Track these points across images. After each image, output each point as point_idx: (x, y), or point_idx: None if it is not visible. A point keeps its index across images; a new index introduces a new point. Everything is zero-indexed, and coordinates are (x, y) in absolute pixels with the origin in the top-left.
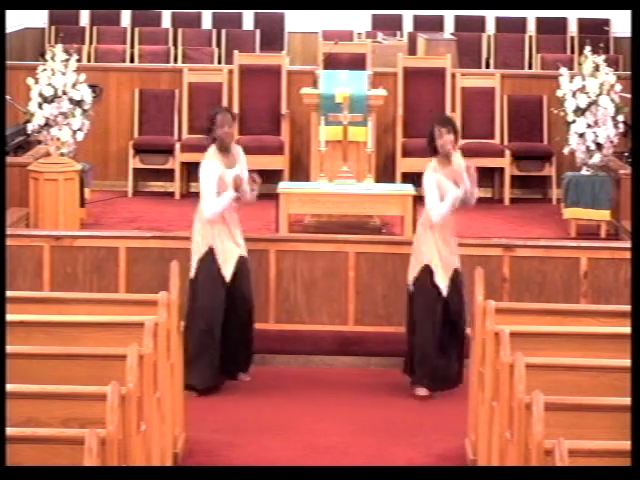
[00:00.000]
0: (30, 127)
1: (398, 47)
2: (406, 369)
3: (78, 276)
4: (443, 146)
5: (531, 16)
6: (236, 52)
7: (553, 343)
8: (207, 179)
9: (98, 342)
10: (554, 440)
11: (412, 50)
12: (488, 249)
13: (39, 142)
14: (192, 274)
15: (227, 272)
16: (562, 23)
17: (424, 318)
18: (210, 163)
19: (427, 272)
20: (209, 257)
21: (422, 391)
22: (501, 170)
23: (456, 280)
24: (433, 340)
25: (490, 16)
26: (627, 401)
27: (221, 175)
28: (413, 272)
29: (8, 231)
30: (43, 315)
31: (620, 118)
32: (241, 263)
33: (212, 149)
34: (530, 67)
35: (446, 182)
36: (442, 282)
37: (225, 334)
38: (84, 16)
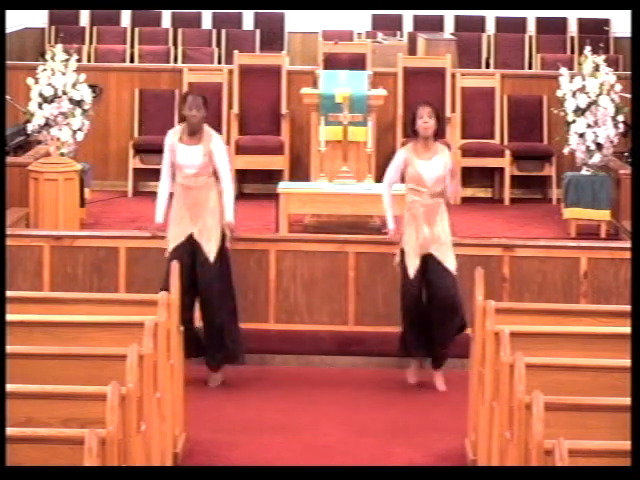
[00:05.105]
0: (30, 127)
1: (398, 47)
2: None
3: (78, 276)
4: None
5: (531, 16)
6: (236, 52)
7: (553, 343)
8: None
9: (98, 342)
10: (554, 440)
11: (412, 50)
12: (488, 249)
13: (39, 142)
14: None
15: None
16: (562, 23)
17: (401, 297)
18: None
19: (403, 254)
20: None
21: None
22: (501, 170)
23: (428, 265)
24: (408, 319)
25: (490, 16)
26: (627, 401)
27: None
28: (398, 255)
29: (8, 231)
30: (43, 315)
31: (620, 118)
32: None
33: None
34: (530, 67)
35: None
36: (412, 265)
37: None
38: (84, 16)
